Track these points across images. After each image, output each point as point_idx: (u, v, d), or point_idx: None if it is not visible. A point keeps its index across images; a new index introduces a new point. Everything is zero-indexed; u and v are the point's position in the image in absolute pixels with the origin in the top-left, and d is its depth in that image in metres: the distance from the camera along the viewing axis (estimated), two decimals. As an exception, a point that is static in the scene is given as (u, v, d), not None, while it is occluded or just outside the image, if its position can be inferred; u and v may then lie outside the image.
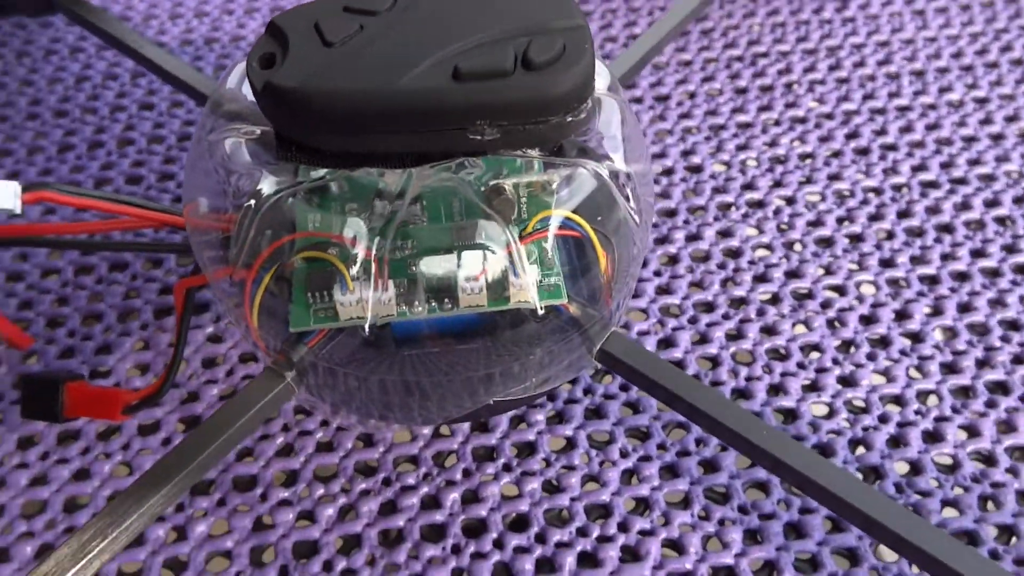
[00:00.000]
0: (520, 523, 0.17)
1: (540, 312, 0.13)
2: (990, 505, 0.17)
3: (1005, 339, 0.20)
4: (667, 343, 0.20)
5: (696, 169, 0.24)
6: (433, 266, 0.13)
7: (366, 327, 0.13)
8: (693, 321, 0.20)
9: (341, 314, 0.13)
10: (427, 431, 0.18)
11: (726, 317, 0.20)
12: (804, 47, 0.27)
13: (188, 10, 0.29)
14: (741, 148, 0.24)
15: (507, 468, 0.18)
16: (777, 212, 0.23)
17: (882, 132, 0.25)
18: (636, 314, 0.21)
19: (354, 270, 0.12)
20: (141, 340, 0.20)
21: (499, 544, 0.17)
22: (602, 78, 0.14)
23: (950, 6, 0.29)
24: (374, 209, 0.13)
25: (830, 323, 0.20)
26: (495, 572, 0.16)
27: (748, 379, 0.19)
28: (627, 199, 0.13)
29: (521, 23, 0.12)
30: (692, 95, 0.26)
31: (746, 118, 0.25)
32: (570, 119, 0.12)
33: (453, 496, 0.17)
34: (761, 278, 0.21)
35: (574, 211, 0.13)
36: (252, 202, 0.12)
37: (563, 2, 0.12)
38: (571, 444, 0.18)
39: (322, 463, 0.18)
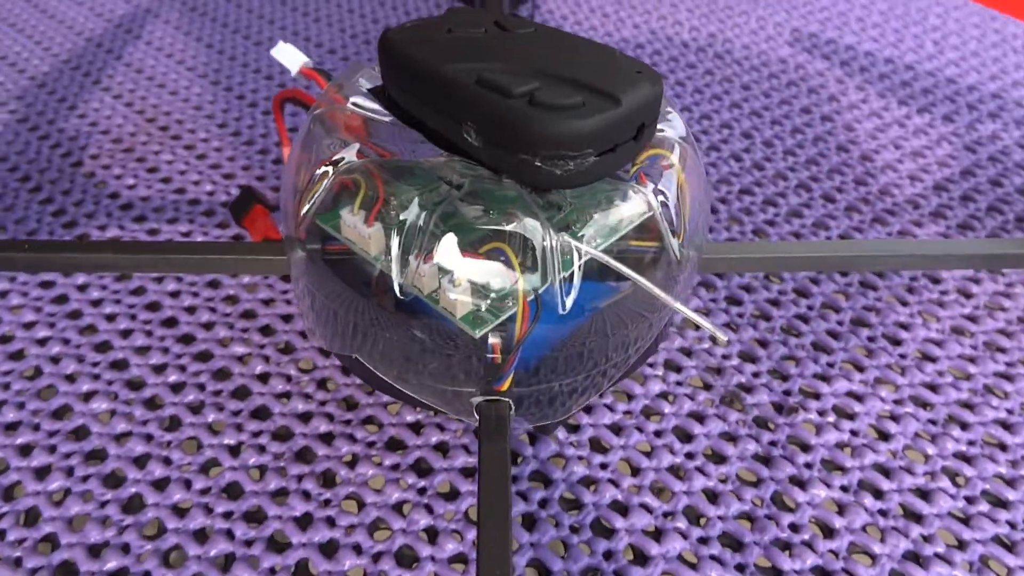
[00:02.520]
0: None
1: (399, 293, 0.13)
2: None
3: None
4: (618, 507, 0.17)
5: (850, 415, 0.19)
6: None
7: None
8: (667, 516, 0.17)
9: (344, 233, 0.15)
10: (412, 416, 0.19)
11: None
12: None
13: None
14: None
15: (422, 491, 0.18)
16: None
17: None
18: (624, 464, 0.18)
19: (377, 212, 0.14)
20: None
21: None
22: (667, 196, 0.13)
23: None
24: (438, 189, 0.14)
25: None
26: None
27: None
28: (565, 289, 0.13)
29: (577, 79, 0.12)
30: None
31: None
32: (539, 164, 0.12)
33: (368, 471, 0.18)
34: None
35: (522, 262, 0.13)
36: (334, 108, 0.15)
37: (638, 87, 0.12)
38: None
39: (321, 373, 0.20)
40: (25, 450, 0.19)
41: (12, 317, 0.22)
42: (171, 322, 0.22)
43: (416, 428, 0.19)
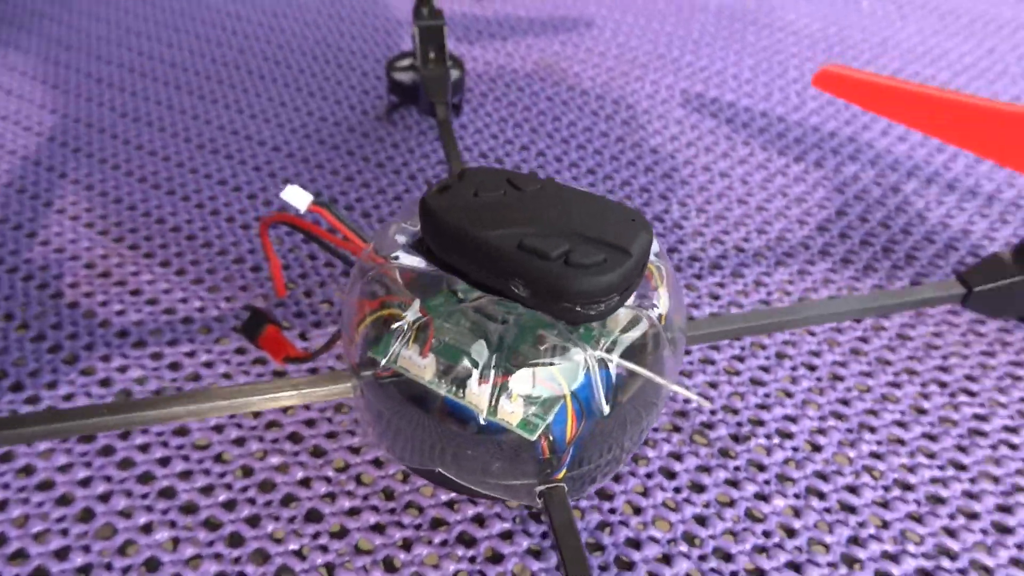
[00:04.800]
0: None
1: (483, 418, 0.17)
2: None
3: None
4: (664, 560, 0.21)
5: (816, 447, 0.24)
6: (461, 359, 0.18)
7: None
8: (701, 559, 0.21)
9: (400, 361, 0.18)
10: (443, 497, 0.22)
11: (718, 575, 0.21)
12: (1023, 408, 0.26)
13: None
14: (874, 456, 0.24)
15: (472, 560, 0.21)
16: (861, 525, 0.22)
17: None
18: (662, 523, 0.22)
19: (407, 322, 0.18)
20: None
21: None
22: (661, 309, 0.18)
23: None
24: (452, 305, 0.18)
25: None
26: None
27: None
28: (607, 394, 0.17)
29: (592, 234, 0.16)
30: (867, 389, 0.26)
31: (901, 435, 0.25)
32: (579, 310, 0.16)
33: (421, 552, 0.21)
34: (793, 566, 0.21)
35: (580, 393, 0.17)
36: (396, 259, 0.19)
37: (637, 235, 0.16)
38: (530, 577, 0.21)
39: (366, 470, 0.23)
40: (104, 585, 0.20)
41: (64, 477, 0.23)
42: (206, 446, 0.24)
43: (451, 505, 0.22)
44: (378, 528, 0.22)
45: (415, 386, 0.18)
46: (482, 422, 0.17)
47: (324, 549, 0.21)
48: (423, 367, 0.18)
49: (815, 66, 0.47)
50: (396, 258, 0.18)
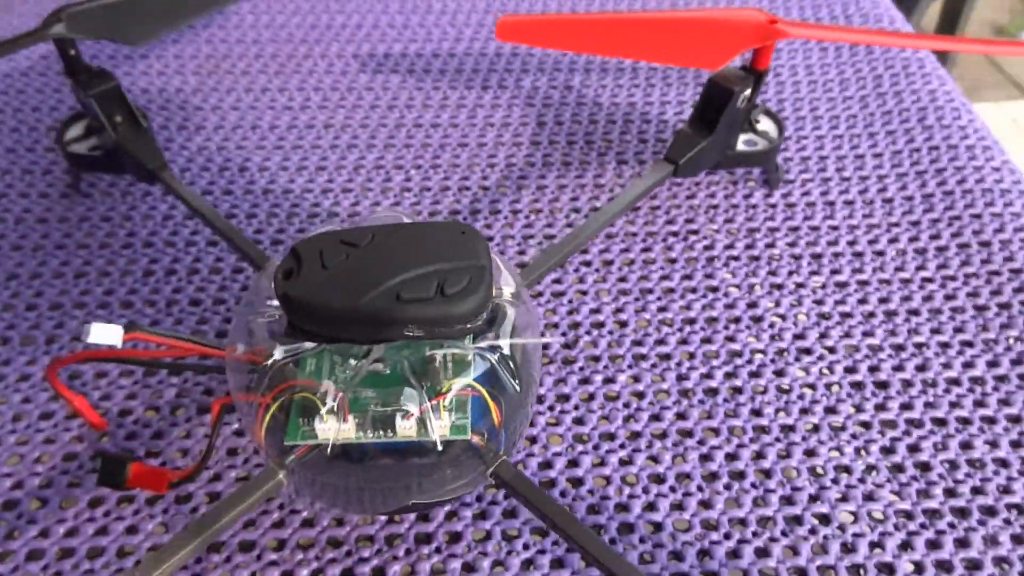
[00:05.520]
0: (442, 592, 0.23)
1: (439, 445, 0.20)
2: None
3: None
4: (573, 463, 0.26)
5: (623, 324, 0.31)
6: (381, 405, 0.20)
7: (330, 445, 0.20)
8: (596, 447, 0.27)
9: (319, 434, 0.20)
10: (383, 517, 0.25)
11: (622, 447, 0.27)
12: (729, 227, 0.34)
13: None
14: (661, 310, 0.31)
15: (438, 550, 0.24)
16: (679, 364, 0.29)
17: (777, 304, 0.31)
18: (555, 438, 0.27)
19: (328, 407, 0.19)
20: (184, 430, 0.27)
21: (424, 606, 0.23)
22: (508, 287, 0.21)
23: (856, 199, 0.36)
24: (347, 368, 0.20)
25: (702, 457, 0.26)
26: (418, 627, 0.22)
27: (630, 496, 0.25)
28: (511, 374, 0.20)
29: (443, 262, 0.19)
30: (631, 262, 0.33)
31: (670, 284, 0.32)
32: (469, 326, 0.19)
33: (395, 569, 0.24)
34: (656, 417, 0.27)
35: (476, 379, 0.20)
36: (270, 361, 0.19)
37: (476, 250, 0.20)
38: (488, 535, 0.24)
39: (304, 535, 0.24)
40: None
41: None
42: None
43: (392, 520, 0.25)
44: (348, 573, 0.24)
45: (349, 447, 0.20)
46: (422, 446, 0.20)
47: (311, 620, 0.23)
48: (346, 429, 0.20)
49: (453, -6, 0.51)
50: (283, 353, 0.19)
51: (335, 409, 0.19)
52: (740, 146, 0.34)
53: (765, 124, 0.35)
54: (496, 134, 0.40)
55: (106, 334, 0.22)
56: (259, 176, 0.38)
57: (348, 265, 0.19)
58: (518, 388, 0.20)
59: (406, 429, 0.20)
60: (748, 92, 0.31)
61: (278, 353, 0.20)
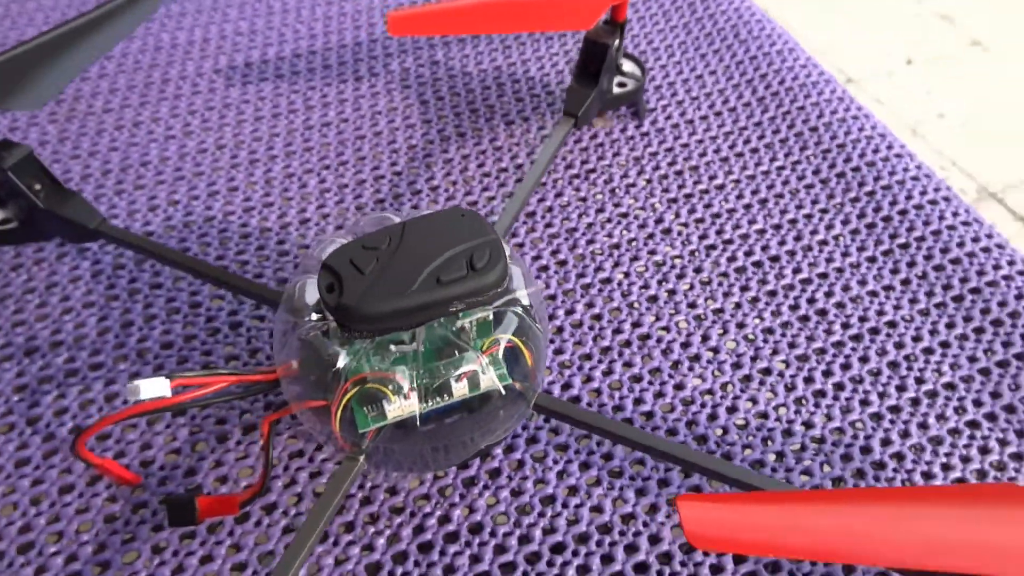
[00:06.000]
0: (501, 518, 0.27)
1: (502, 391, 0.23)
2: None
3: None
4: (567, 386, 0.31)
5: (562, 263, 0.35)
6: (436, 375, 0.23)
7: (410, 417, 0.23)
8: (579, 368, 0.31)
9: (390, 415, 0.23)
10: (430, 476, 0.28)
11: (599, 362, 0.32)
12: (617, 160, 0.40)
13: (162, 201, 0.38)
14: (590, 243, 0.36)
15: (486, 487, 0.28)
16: (619, 284, 0.34)
17: (677, 216, 0.37)
18: (545, 371, 0.31)
19: (398, 389, 0.22)
20: (213, 461, 0.29)
21: (493, 534, 0.27)
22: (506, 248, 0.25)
23: (708, 114, 0.42)
24: (388, 354, 0.23)
25: (663, 352, 0.32)
26: (494, 551, 0.26)
27: (620, 398, 0.30)
28: (533, 319, 0.24)
29: (464, 243, 0.22)
30: (550, 209, 0.38)
31: (589, 220, 0.37)
32: (500, 291, 0.23)
33: (456, 513, 0.27)
34: (617, 331, 0.33)
35: (513, 334, 0.24)
36: (341, 364, 0.22)
37: (483, 227, 0.23)
38: (521, 463, 0.29)
39: (367, 512, 0.27)
40: None
41: None
42: None
43: (421, 481, 0.28)
44: (419, 529, 0.27)
45: (410, 420, 0.23)
46: (477, 399, 0.24)
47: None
48: (409, 405, 0.23)
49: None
50: (347, 356, 0.22)
51: (402, 390, 0.23)
52: (615, 89, 0.39)
53: (629, 66, 0.40)
54: (387, 120, 0.42)
55: (154, 388, 0.23)
56: (174, 210, 0.38)
57: (382, 266, 0.22)
58: (540, 331, 0.25)
59: (461, 389, 0.23)
60: (617, 42, 0.36)
61: (342, 358, 0.22)
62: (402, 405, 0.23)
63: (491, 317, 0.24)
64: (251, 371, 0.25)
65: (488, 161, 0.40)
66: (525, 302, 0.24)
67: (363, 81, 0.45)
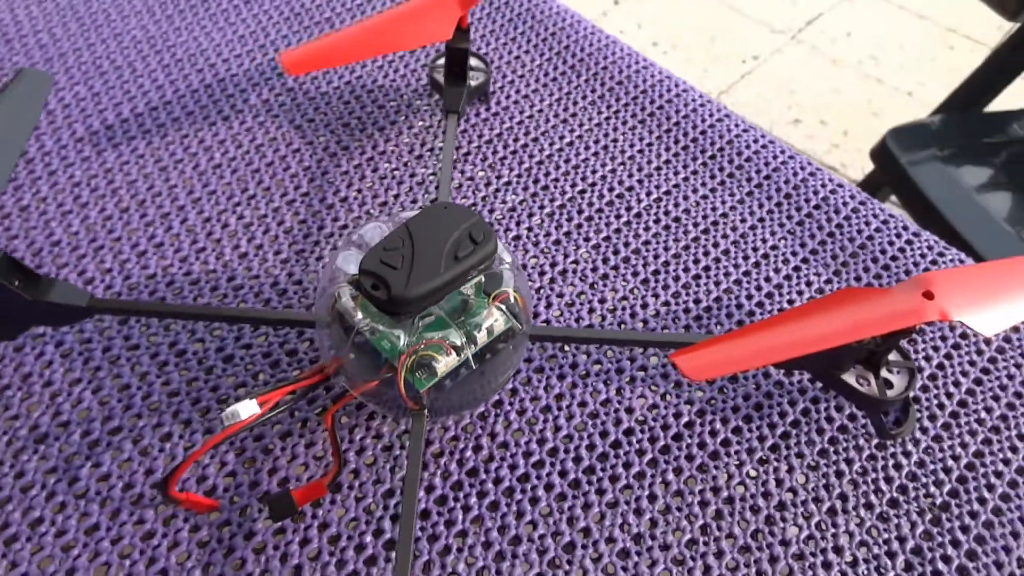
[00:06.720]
0: (517, 433, 0.35)
1: (520, 326, 0.31)
2: (677, 320, 0.40)
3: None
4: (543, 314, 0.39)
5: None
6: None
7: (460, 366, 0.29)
8: (547, 299, 0.40)
9: (440, 371, 0.29)
10: (452, 422, 0.35)
11: (563, 287, 0.40)
12: (483, 141, 0.48)
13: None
14: (499, 221, 0.44)
15: (496, 416, 0.35)
16: (532, 233, 0.43)
17: (536, 180, 0.46)
18: (501, 318, 0.39)
19: (446, 350, 0.29)
20: (270, 468, 0.33)
21: (517, 444, 0.34)
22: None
23: (540, 90, 0.51)
24: (418, 324, 0.29)
25: (585, 276, 0.41)
26: (523, 456, 0.34)
27: (589, 311, 0.39)
28: (519, 270, 0.32)
29: (460, 227, 0.29)
30: (459, 187, 0.45)
31: (482, 194, 0.45)
32: (495, 257, 0.30)
33: (483, 441, 0.34)
34: (573, 261, 0.41)
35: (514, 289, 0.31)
36: (402, 343, 0.28)
37: (466, 212, 0.30)
38: (515, 391, 0.36)
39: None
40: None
41: None
42: None
43: (443, 427, 0.35)
44: (461, 461, 0.34)
45: (453, 371, 0.30)
46: (494, 342, 0.31)
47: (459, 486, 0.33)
48: (451, 360, 0.30)
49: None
50: (408, 336, 0.28)
51: (442, 350, 0.29)
52: (471, 83, 0.46)
53: (475, 62, 0.48)
54: (273, 149, 0.46)
55: (247, 409, 0.28)
56: (110, 278, 0.39)
57: (409, 260, 0.28)
58: (525, 279, 0.32)
59: (482, 337, 0.30)
60: (466, 45, 0.44)
61: (403, 339, 0.28)
62: (446, 361, 0.30)
63: (483, 278, 0.31)
64: (296, 379, 0.30)
65: (381, 166, 0.46)
66: (508, 259, 0.32)
67: (231, 120, 0.48)
